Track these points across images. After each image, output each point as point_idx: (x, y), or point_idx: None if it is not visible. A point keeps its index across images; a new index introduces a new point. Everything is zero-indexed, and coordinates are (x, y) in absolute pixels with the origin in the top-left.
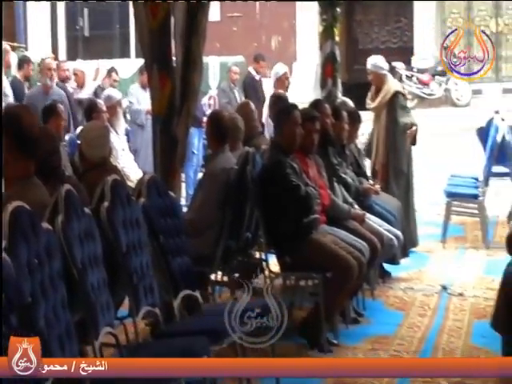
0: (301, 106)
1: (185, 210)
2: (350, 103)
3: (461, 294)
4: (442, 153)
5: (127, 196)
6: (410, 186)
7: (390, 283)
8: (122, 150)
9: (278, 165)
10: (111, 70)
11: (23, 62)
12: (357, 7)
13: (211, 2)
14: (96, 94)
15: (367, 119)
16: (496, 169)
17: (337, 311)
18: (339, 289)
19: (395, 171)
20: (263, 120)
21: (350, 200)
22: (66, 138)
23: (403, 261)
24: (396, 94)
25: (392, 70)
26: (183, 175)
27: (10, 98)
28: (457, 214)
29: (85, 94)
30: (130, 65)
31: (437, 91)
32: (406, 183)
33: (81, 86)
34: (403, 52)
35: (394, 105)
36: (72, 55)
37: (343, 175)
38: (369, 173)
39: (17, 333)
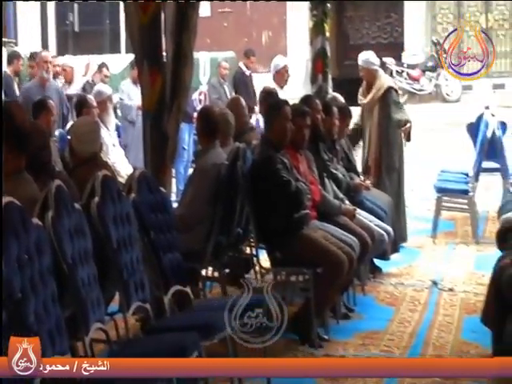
0: (291, 102)
1: (175, 205)
2: (341, 98)
3: (451, 290)
4: (432, 148)
5: (118, 192)
6: (401, 182)
7: (380, 278)
8: (113, 146)
9: (269, 160)
10: (102, 66)
11: (13, 58)
12: (347, 3)
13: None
14: (85, 89)
15: (357, 115)
16: (486, 164)
17: (327, 306)
18: (330, 284)
19: (387, 167)
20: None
21: (341, 195)
22: (56, 133)
23: (394, 256)
24: (389, 89)
25: (382, 66)
26: (174, 171)
27: None
28: (447, 210)
29: (73, 89)
30: (121, 60)
31: (427, 87)
32: (397, 179)
33: (69, 81)
34: (393, 48)
35: (387, 100)
36: (62, 50)
37: (334, 171)
38: (360, 168)
39: (6, 328)
